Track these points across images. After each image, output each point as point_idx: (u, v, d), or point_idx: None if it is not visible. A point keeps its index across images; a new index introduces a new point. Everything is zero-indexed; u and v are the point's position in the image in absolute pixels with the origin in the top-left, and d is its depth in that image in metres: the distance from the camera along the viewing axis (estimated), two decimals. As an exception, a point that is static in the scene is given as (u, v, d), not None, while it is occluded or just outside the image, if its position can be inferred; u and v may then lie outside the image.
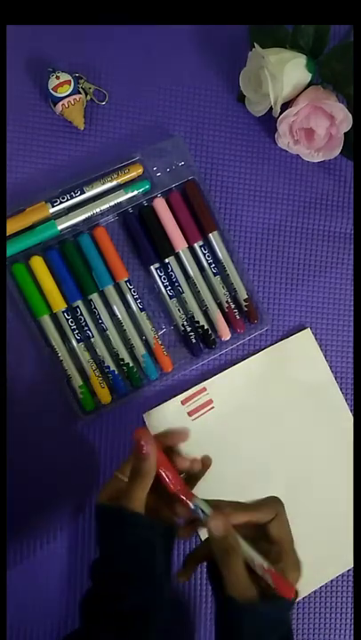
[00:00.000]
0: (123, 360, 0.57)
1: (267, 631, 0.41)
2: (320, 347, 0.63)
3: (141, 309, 0.58)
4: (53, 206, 0.56)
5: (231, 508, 0.43)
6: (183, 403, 0.59)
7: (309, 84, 0.59)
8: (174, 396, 0.59)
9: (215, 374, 0.60)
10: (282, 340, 0.62)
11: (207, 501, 0.43)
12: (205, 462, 0.47)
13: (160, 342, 0.58)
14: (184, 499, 0.43)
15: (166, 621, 0.43)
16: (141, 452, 0.42)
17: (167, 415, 0.59)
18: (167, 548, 0.45)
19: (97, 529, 0.44)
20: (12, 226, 0.56)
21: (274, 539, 0.43)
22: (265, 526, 0.43)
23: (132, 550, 0.42)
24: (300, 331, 0.63)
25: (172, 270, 0.59)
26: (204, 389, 0.60)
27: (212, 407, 0.60)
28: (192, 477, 0.47)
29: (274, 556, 0.43)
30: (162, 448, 0.44)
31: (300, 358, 0.62)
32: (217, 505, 0.43)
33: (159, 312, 0.60)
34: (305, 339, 0.63)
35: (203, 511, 0.42)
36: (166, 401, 0.59)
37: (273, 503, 0.45)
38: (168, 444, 0.46)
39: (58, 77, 0.57)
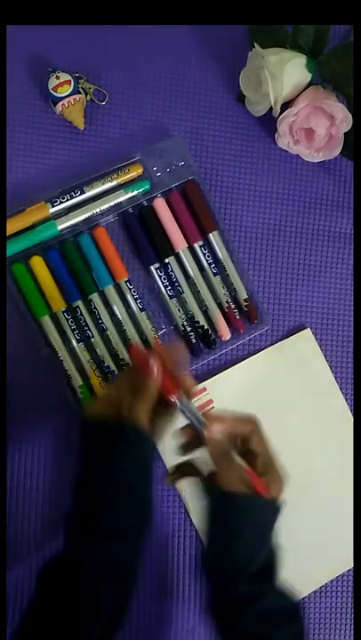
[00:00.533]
0: (123, 360, 0.57)
1: (261, 527, 0.44)
2: (320, 347, 0.63)
3: (141, 309, 0.58)
4: (53, 206, 0.56)
5: (218, 418, 0.46)
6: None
7: (309, 84, 0.59)
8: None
9: (215, 374, 0.60)
10: (282, 340, 0.62)
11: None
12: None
13: (160, 342, 0.58)
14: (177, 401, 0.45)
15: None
16: (148, 368, 0.44)
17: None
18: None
19: (91, 443, 0.44)
20: (12, 226, 0.56)
21: (257, 452, 0.46)
22: (247, 441, 0.46)
23: (136, 464, 0.43)
24: (301, 331, 0.63)
25: (172, 270, 0.59)
26: (204, 389, 0.60)
27: (212, 407, 0.60)
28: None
29: (260, 468, 0.45)
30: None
31: (301, 358, 0.62)
32: (206, 415, 0.46)
33: (159, 312, 0.60)
34: (305, 339, 0.63)
35: (198, 420, 0.45)
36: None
37: (250, 418, 0.47)
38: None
39: (58, 77, 0.57)
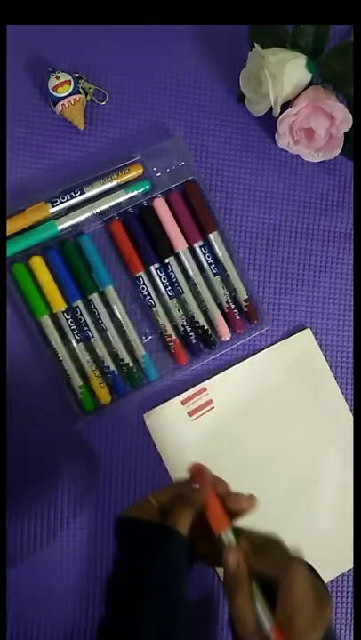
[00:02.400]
0: (123, 360, 0.57)
1: None
2: (320, 347, 0.63)
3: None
4: (53, 206, 0.56)
5: (247, 547, 0.42)
6: (183, 403, 0.59)
7: (309, 84, 0.59)
8: (174, 396, 0.59)
9: (215, 374, 0.60)
10: (282, 340, 0.62)
11: (239, 530, 0.43)
12: (251, 502, 0.44)
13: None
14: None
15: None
16: (198, 481, 0.43)
17: (167, 415, 0.59)
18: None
19: (129, 545, 0.43)
20: (12, 226, 0.56)
21: (282, 594, 0.40)
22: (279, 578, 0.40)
23: (171, 571, 0.41)
24: (300, 331, 0.63)
25: (172, 270, 0.59)
26: (205, 389, 0.60)
27: (213, 407, 0.60)
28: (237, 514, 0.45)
29: (280, 619, 0.39)
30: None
31: (301, 358, 0.62)
32: (240, 535, 0.43)
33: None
34: (305, 339, 0.63)
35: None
36: (166, 401, 0.59)
37: (290, 563, 0.41)
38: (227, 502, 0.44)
39: (58, 77, 0.57)
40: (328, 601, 0.41)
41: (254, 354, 0.61)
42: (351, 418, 0.63)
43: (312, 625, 0.39)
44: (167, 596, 0.40)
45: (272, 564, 0.41)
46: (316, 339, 0.63)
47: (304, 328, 0.63)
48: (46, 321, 0.56)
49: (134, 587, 0.41)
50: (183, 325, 0.58)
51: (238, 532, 0.43)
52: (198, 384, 0.60)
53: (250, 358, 0.61)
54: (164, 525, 0.42)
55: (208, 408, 0.60)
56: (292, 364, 0.62)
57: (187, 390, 0.59)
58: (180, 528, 0.42)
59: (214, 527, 0.43)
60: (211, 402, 0.60)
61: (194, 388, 0.60)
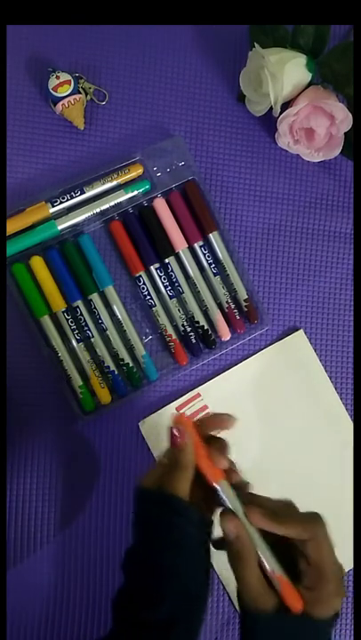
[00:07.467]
0: (123, 360, 0.57)
1: None
2: (318, 347, 0.63)
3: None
4: (53, 206, 0.56)
5: (261, 513, 0.39)
6: (178, 409, 0.59)
7: (309, 84, 0.59)
8: (174, 395, 0.59)
9: (216, 374, 0.60)
10: (278, 341, 0.62)
11: (251, 495, 0.41)
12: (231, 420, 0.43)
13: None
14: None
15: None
16: (176, 444, 0.40)
17: (163, 422, 0.58)
18: (207, 545, 0.41)
19: (137, 514, 0.40)
20: (12, 226, 0.56)
21: (311, 561, 0.39)
22: (302, 544, 0.39)
23: (176, 545, 0.38)
24: (294, 332, 0.62)
25: (172, 270, 0.59)
26: (199, 395, 0.59)
27: (208, 412, 0.59)
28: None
29: (310, 579, 0.39)
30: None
31: (299, 358, 0.62)
32: (251, 502, 0.39)
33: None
34: (304, 339, 0.63)
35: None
36: (164, 405, 0.59)
37: (312, 521, 0.40)
38: (210, 431, 0.42)
39: (58, 77, 0.57)
40: (344, 570, 0.40)
41: (255, 353, 0.61)
42: (348, 418, 0.63)
43: (339, 589, 0.39)
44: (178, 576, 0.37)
45: (291, 526, 0.39)
46: (314, 339, 0.63)
47: (297, 329, 0.63)
48: (46, 321, 0.56)
49: (144, 561, 0.38)
50: (183, 325, 0.58)
51: (249, 499, 0.40)
52: (198, 385, 0.60)
53: (245, 361, 0.61)
54: (163, 494, 0.38)
55: (203, 414, 0.59)
56: (290, 365, 0.62)
57: (187, 392, 0.59)
58: (179, 492, 0.38)
59: (209, 478, 0.40)
60: (205, 407, 0.60)
61: (188, 394, 0.59)
